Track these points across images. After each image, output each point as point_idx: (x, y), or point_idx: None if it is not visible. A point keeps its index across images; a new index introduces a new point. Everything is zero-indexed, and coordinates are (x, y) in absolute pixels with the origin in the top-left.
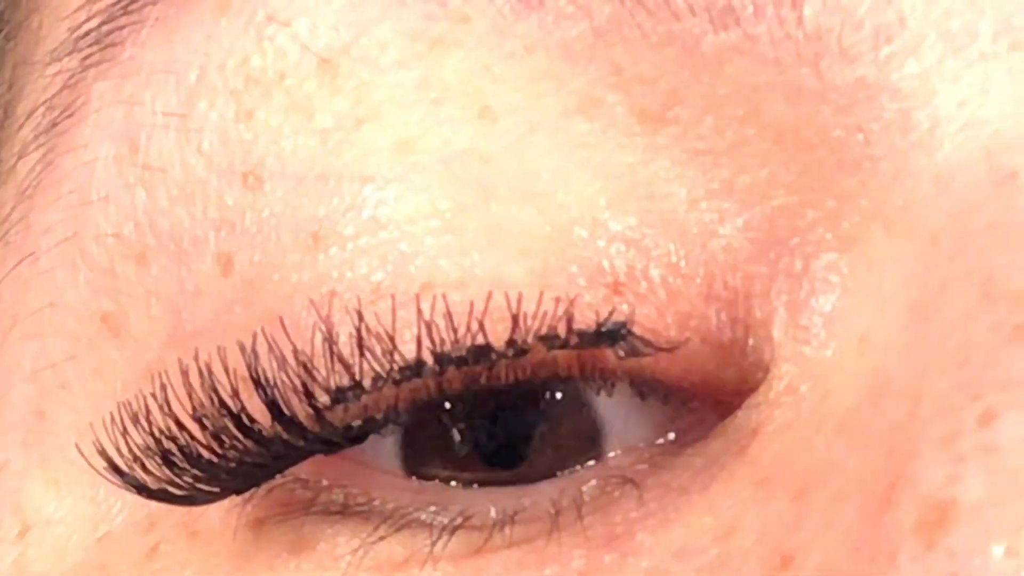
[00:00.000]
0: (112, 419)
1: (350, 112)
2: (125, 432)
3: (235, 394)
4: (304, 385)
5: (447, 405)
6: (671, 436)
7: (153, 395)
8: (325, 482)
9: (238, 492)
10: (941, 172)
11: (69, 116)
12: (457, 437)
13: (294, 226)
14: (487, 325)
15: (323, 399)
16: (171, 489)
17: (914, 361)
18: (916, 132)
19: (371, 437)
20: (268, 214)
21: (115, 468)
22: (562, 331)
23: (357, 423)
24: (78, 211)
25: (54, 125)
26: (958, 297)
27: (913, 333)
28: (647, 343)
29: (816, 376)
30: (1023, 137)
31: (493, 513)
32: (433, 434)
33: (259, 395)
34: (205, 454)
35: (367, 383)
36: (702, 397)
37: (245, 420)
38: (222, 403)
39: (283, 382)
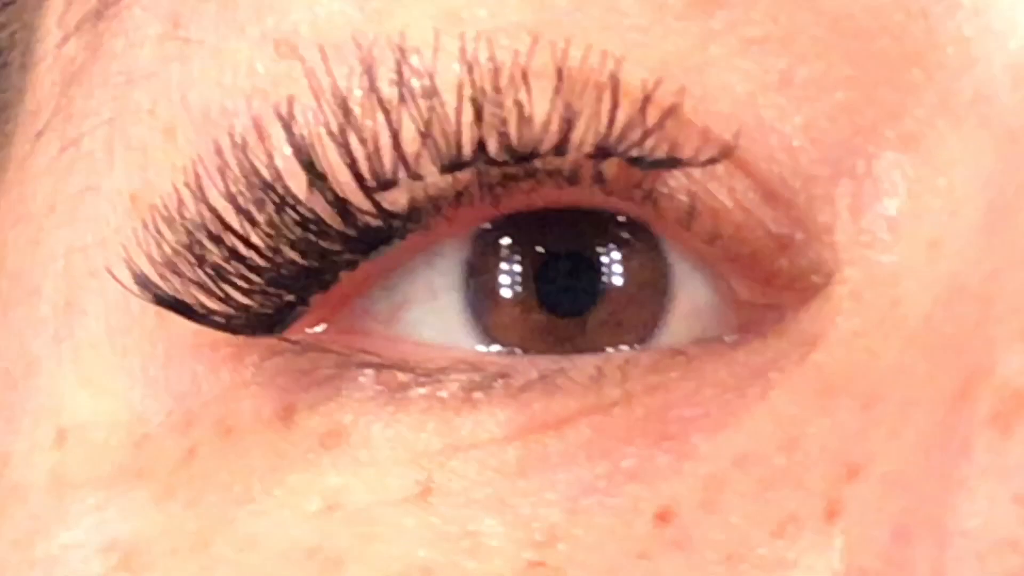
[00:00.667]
0: (144, 225)
1: None
2: (158, 233)
3: (270, 161)
4: (342, 131)
5: (504, 242)
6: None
7: (187, 183)
8: (357, 355)
9: (271, 323)
10: (1016, 61)
11: (118, 1)
12: (509, 268)
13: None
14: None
15: (363, 154)
16: (203, 299)
17: (988, 264)
18: (987, 15)
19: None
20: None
21: (144, 280)
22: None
23: (403, 202)
24: (123, 91)
25: (104, 8)
26: None
27: (988, 237)
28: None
29: (882, 282)
30: None
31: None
32: (491, 277)
33: (295, 155)
34: (239, 246)
35: (405, 133)
36: (760, 293)
37: (279, 190)
38: (256, 173)
39: (319, 128)
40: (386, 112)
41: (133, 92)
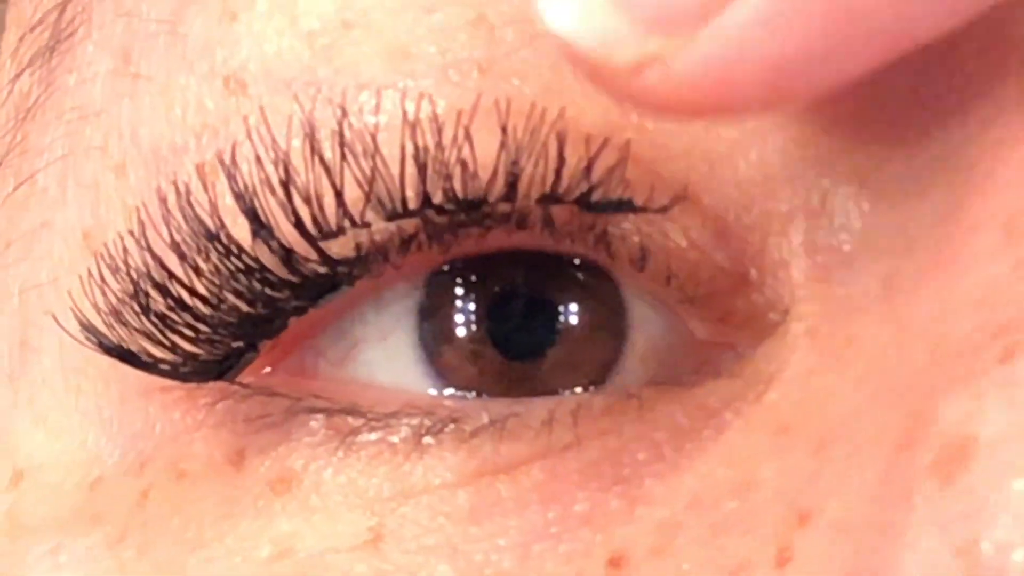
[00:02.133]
0: (89, 273)
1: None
2: (103, 282)
3: (214, 211)
4: (284, 185)
5: (458, 283)
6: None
7: (131, 231)
8: (307, 399)
9: (220, 369)
10: (971, 99)
11: (71, 35)
12: (463, 307)
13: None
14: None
15: (306, 210)
16: (150, 348)
17: (937, 303)
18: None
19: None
20: (255, 120)
21: (91, 328)
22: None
23: (349, 249)
24: (75, 127)
25: (56, 44)
26: (983, 237)
27: (939, 275)
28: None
29: (838, 319)
30: None
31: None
32: (445, 318)
33: (238, 204)
34: (184, 295)
35: (348, 191)
36: (717, 332)
37: (223, 239)
38: (200, 222)
39: (260, 181)
40: (327, 171)
41: (85, 128)
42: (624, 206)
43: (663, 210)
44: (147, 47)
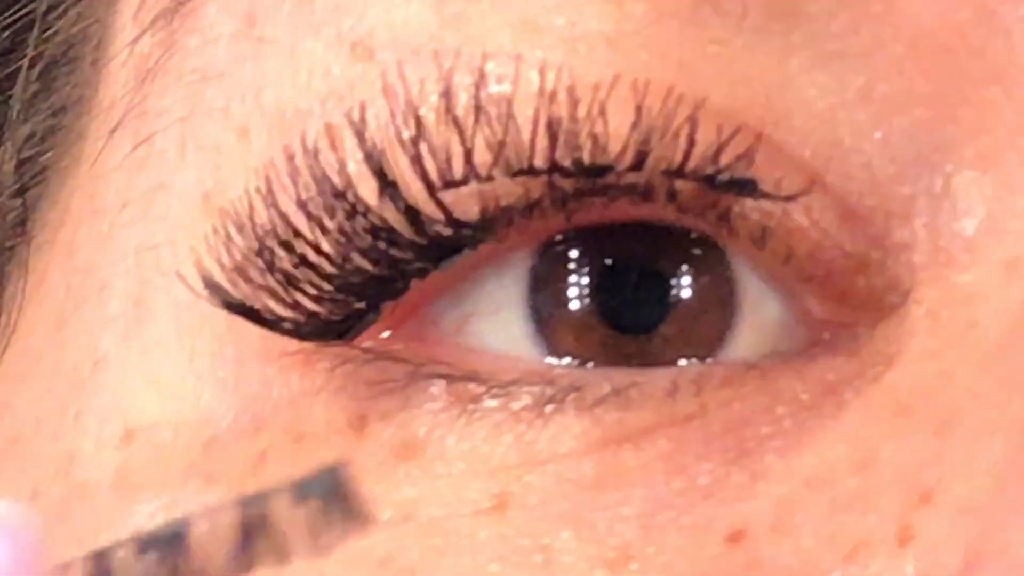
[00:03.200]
0: (215, 230)
1: None
2: (228, 239)
3: (342, 168)
4: (414, 142)
5: (572, 254)
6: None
7: (258, 189)
8: (428, 366)
9: (341, 330)
10: None
11: None
12: (577, 280)
13: None
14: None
15: (433, 166)
16: (273, 305)
17: None
18: None
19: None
20: (392, 77)
21: (214, 285)
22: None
23: (475, 211)
24: (196, 89)
25: (179, 6)
26: None
27: None
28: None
29: (959, 303)
30: None
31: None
32: (557, 292)
33: (367, 163)
34: (309, 253)
35: (478, 153)
36: (834, 311)
37: (350, 197)
38: (327, 180)
39: (390, 139)
40: (460, 131)
41: (207, 90)
42: (749, 188)
43: (790, 198)
44: (272, 11)
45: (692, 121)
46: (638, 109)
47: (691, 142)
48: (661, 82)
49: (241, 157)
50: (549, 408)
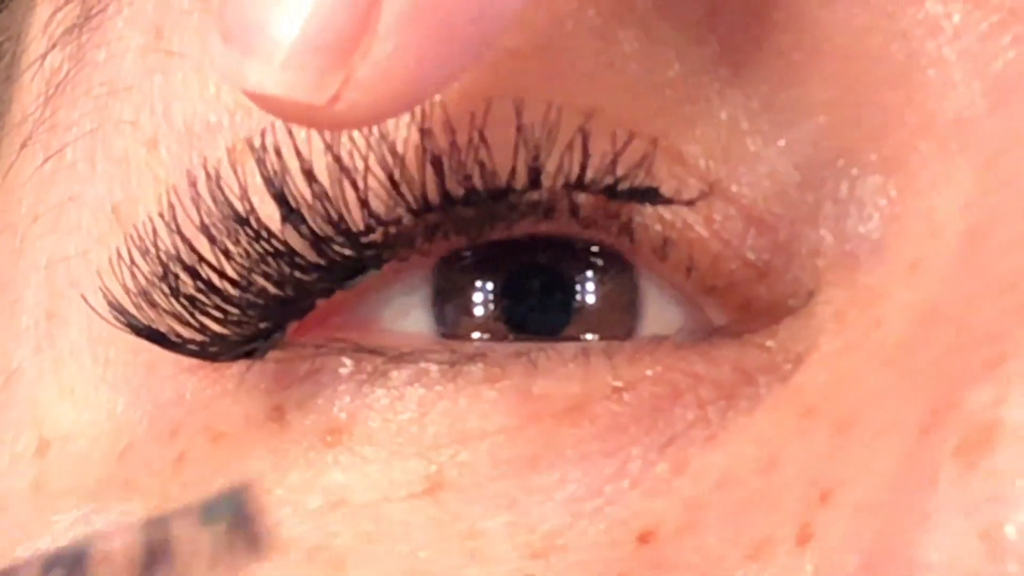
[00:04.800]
0: (119, 255)
1: None
2: (133, 263)
3: (244, 195)
4: (309, 162)
5: (478, 266)
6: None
7: (161, 214)
8: (332, 343)
9: (249, 349)
10: (996, 84)
11: (102, 11)
12: (481, 297)
13: None
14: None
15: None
16: (179, 328)
17: (964, 288)
18: (967, 38)
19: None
20: None
21: (120, 309)
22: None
23: (377, 235)
24: (105, 102)
25: (87, 19)
26: (1012, 223)
27: (966, 261)
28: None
29: (865, 303)
30: None
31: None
32: (462, 299)
33: (267, 188)
34: (214, 278)
35: (372, 196)
36: (735, 320)
37: (253, 223)
38: (229, 205)
39: (288, 169)
40: (351, 178)
41: (116, 103)
42: (651, 195)
43: (691, 203)
44: (180, 23)
45: (583, 132)
46: (519, 128)
47: (585, 153)
48: (541, 98)
49: (150, 169)
50: (461, 380)
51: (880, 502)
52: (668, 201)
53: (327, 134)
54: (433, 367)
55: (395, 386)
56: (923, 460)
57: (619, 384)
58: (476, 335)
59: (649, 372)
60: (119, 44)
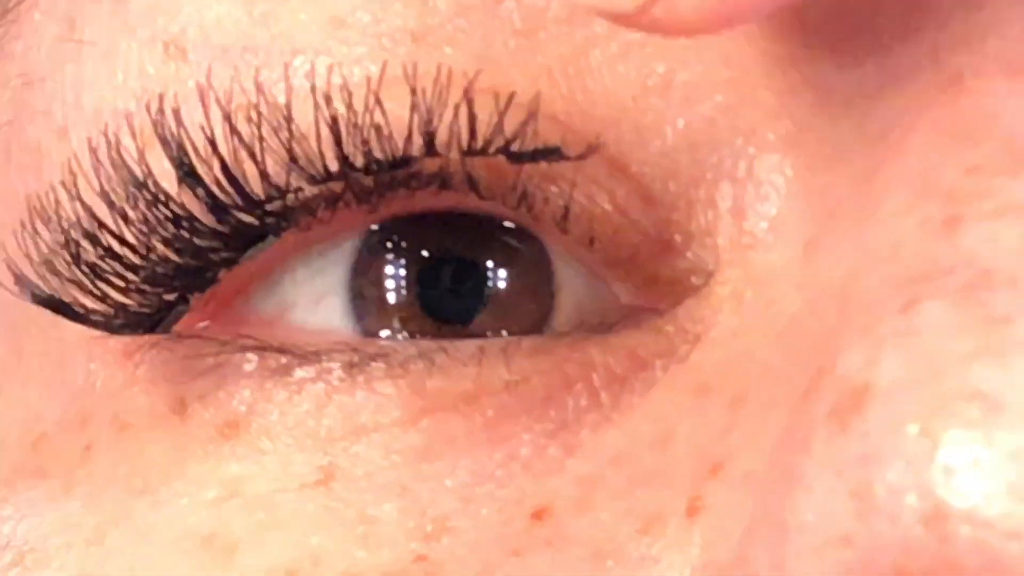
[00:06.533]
0: (23, 224)
1: None
2: (36, 233)
3: (141, 158)
4: (210, 131)
5: (389, 244)
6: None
7: (63, 182)
8: (237, 340)
9: (152, 322)
10: (889, 69)
11: (18, 3)
12: (395, 272)
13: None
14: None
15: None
16: (81, 298)
17: (850, 263)
18: (861, 16)
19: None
20: (193, 85)
21: (23, 278)
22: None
23: (277, 202)
24: (21, 94)
25: (4, 12)
26: (893, 197)
27: (856, 237)
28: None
29: (761, 282)
30: (967, 35)
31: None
32: (376, 287)
33: (164, 151)
34: (114, 244)
35: (270, 165)
36: (640, 295)
37: (151, 186)
38: (127, 169)
39: (189, 138)
40: (248, 149)
41: (30, 94)
42: (542, 154)
43: (580, 158)
44: (92, 13)
45: (468, 96)
46: (412, 91)
47: (471, 116)
48: (431, 64)
49: (61, 157)
50: (360, 378)
51: (763, 470)
52: (561, 157)
53: (222, 98)
54: (335, 365)
55: (295, 382)
56: (800, 425)
57: (514, 379)
58: (385, 332)
59: (544, 365)
60: (35, 36)
